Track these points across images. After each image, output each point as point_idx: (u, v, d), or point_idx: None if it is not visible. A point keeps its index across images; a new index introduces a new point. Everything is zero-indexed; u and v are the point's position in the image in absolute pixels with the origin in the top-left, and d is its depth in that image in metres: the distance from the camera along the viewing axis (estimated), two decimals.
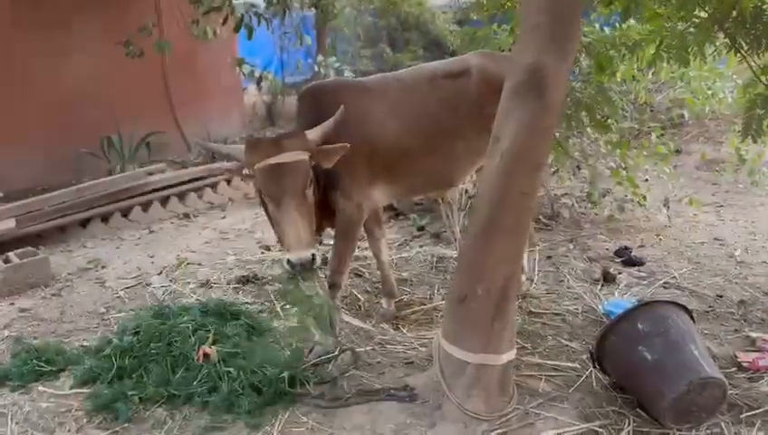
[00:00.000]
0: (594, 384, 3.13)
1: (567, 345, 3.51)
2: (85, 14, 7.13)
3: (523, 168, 2.51)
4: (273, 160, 2.91)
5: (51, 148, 6.86)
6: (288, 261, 2.98)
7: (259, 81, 6.95)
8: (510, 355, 2.85)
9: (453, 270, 4.52)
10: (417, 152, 3.46)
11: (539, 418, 2.88)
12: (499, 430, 2.79)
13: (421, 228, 5.43)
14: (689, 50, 3.06)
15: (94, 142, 7.10)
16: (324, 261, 4.59)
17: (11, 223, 5.00)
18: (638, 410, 2.89)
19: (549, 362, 3.32)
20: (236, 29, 5.91)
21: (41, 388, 3.34)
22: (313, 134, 3.05)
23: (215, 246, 5.43)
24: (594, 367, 3.13)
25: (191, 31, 6.67)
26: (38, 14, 6.76)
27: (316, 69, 6.46)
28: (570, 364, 3.30)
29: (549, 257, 4.74)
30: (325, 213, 3.44)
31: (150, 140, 7.47)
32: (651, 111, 6.13)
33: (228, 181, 6.80)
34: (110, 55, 7.13)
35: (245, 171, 3.13)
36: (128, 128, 7.20)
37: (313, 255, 2.98)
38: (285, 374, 3.07)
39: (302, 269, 3.00)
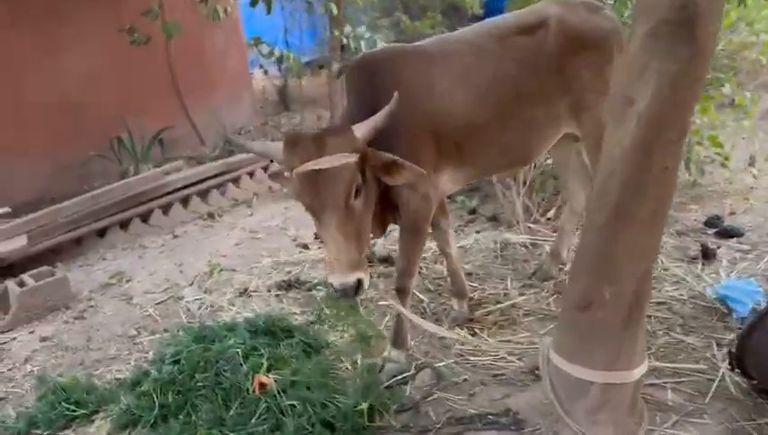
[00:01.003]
0: (733, 390, 2.61)
1: (683, 341, 2.97)
2: (81, 5, 6.55)
3: (666, 135, 1.95)
4: (311, 165, 2.34)
5: (55, 153, 6.32)
6: (331, 283, 2.47)
7: (280, 61, 6.35)
8: (642, 369, 2.32)
9: (522, 258, 4.00)
10: (490, 126, 2.91)
11: None
12: None
13: (473, 211, 4.87)
14: None
15: (101, 143, 6.55)
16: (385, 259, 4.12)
17: (22, 240, 4.50)
18: None
19: (669, 364, 2.79)
20: (253, 3, 5.32)
21: None
22: (362, 130, 2.44)
23: (246, 248, 4.91)
24: (733, 369, 2.60)
25: (199, 11, 6.07)
26: (32, 10, 6.18)
27: (344, 41, 5.83)
28: (695, 366, 2.77)
29: None
30: (388, 207, 2.89)
31: (162, 136, 6.92)
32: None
33: (251, 174, 6.26)
34: (111, 47, 6.58)
35: (286, 174, 2.56)
36: (136, 125, 6.65)
37: (359, 280, 2.43)
38: (364, 406, 2.55)
39: (346, 295, 2.46)
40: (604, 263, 2.13)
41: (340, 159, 2.35)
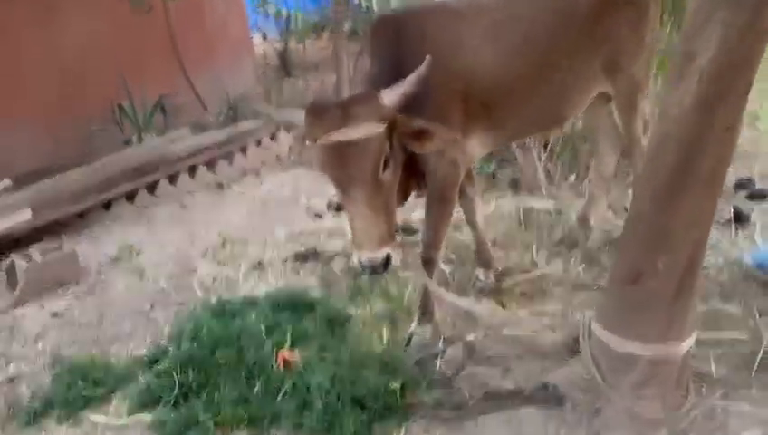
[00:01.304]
0: None
1: (722, 310, 2.86)
2: None
3: (730, 92, 1.80)
4: (335, 136, 2.19)
5: (55, 121, 6.11)
6: (359, 260, 2.34)
7: (287, 22, 6.11)
8: (691, 341, 2.21)
9: (547, 224, 3.86)
10: (522, 86, 2.75)
11: (729, 414, 2.26)
12: None
13: (492, 175, 4.71)
14: None
15: (102, 111, 6.34)
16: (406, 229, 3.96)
17: (26, 214, 4.35)
18: None
19: (710, 334, 2.66)
20: None
21: (92, 416, 2.78)
22: (391, 97, 2.26)
23: (258, 219, 4.77)
24: None
25: None
26: None
27: (356, 1, 5.59)
28: (737, 336, 2.66)
29: None
30: (412, 174, 2.74)
31: (164, 103, 6.71)
32: None
33: (258, 142, 6.08)
34: (110, 13, 6.31)
35: (308, 143, 2.40)
36: (137, 92, 6.44)
37: (388, 256, 2.30)
38: (397, 384, 2.45)
39: (374, 272, 2.33)
40: (658, 231, 2.00)
41: (367, 129, 2.20)
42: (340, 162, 2.23)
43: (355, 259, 2.33)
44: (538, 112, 2.88)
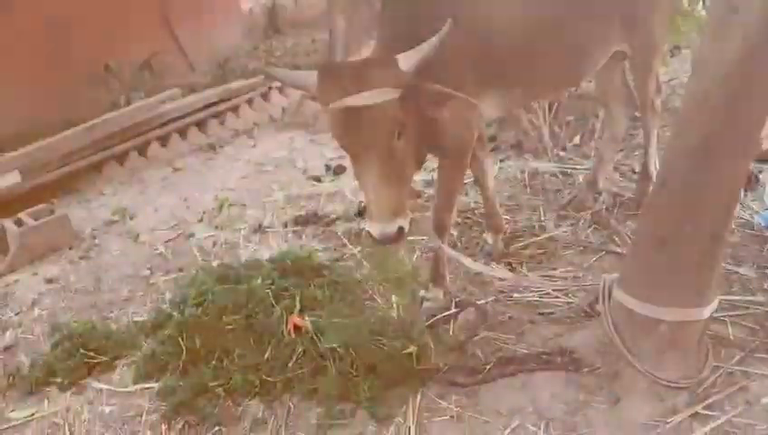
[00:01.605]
0: None
1: (735, 272, 2.84)
2: None
3: None
4: (350, 101, 2.07)
5: (40, 81, 5.88)
6: (371, 231, 2.24)
7: None
8: (713, 306, 2.17)
9: (553, 187, 3.80)
10: (538, 44, 2.63)
11: (749, 378, 2.25)
12: (706, 401, 2.17)
13: (493, 138, 4.61)
14: None
15: (88, 70, 6.11)
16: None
17: (15, 177, 4.20)
18: None
19: (724, 297, 2.64)
20: None
21: (96, 384, 2.73)
22: (409, 61, 2.12)
23: (255, 181, 4.66)
24: None
25: None
26: None
27: None
28: (753, 298, 2.64)
29: None
30: (424, 137, 2.64)
31: (152, 62, 6.49)
32: None
33: (250, 102, 5.92)
34: None
35: (320, 108, 2.28)
36: (124, 52, 6.21)
37: (401, 227, 2.21)
38: (412, 349, 2.40)
39: (386, 243, 2.24)
40: (690, 194, 1.94)
41: (382, 95, 2.08)
42: (353, 128, 2.12)
43: (367, 229, 2.25)
44: (555, 71, 2.78)
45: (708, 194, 1.92)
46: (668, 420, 2.11)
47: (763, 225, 3.09)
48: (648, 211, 2.19)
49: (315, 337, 2.57)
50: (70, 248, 3.93)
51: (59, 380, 2.73)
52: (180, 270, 3.52)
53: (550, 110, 4.14)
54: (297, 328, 2.64)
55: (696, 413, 2.12)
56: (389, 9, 2.53)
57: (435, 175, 3.63)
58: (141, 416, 2.50)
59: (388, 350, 2.44)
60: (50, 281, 3.61)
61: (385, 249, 3.10)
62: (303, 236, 3.72)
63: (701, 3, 4.11)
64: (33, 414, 2.59)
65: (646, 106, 3.18)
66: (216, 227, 3.99)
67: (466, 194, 3.79)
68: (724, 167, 1.88)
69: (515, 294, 2.85)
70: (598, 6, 2.73)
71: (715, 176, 1.89)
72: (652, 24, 2.90)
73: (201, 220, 4.12)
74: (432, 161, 2.91)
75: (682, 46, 4.63)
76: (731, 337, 2.43)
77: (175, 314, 2.89)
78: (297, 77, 2.42)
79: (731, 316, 2.54)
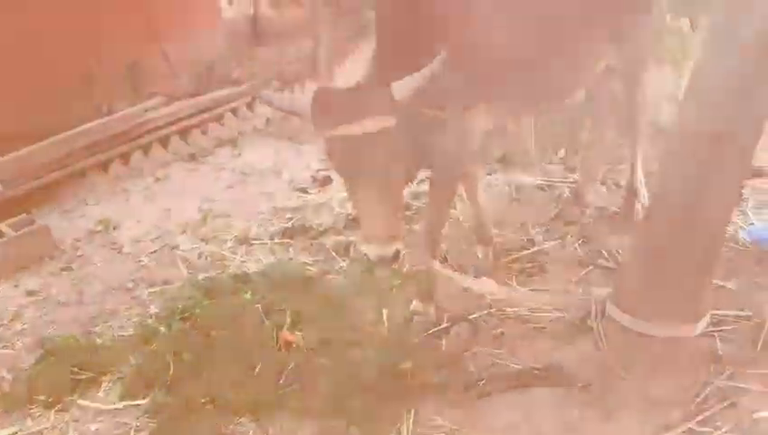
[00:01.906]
0: None
1: (723, 287, 2.86)
2: None
3: None
4: (344, 130, 2.09)
5: (20, 87, 5.77)
6: (368, 254, 2.25)
7: None
8: (706, 320, 2.20)
9: (540, 201, 3.81)
10: (535, 53, 2.63)
11: (741, 393, 2.27)
12: (699, 417, 2.18)
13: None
14: None
15: (70, 78, 6.00)
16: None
17: None
18: None
19: (713, 311, 2.66)
20: None
21: (81, 401, 2.66)
22: (402, 90, 2.12)
23: (240, 192, 4.60)
24: None
25: None
26: None
27: None
28: (741, 313, 2.67)
29: None
30: (417, 153, 2.63)
31: (133, 70, 6.40)
32: None
33: (234, 111, 5.87)
34: None
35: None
36: (107, 59, 6.12)
37: (397, 250, 2.23)
38: (407, 364, 2.39)
39: (381, 265, 2.26)
40: (691, 202, 1.94)
41: (377, 124, 2.09)
42: (348, 155, 2.15)
43: (364, 251, 2.24)
44: (546, 84, 2.80)
45: (704, 211, 1.94)
46: None
47: (748, 239, 3.14)
48: (641, 227, 2.21)
49: (307, 353, 2.55)
50: (51, 259, 3.85)
51: (42, 397, 2.66)
52: (165, 283, 3.46)
53: (536, 123, 4.16)
54: (288, 343, 2.62)
55: (689, 429, 2.14)
56: (383, 22, 2.52)
57: (422, 187, 3.68)
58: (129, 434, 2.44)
59: (380, 366, 2.43)
60: (31, 293, 3.53)
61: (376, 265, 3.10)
62: (291, 249, 3.69)
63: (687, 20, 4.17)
64: (15, 433, 2.52)
65: (634, 119, 3.22)
66: (201, 240, 3.93)
67: (455, 207, 3.80)
68: (722, 184, 1.90)
69: (507, 308, 2.85)
70: (586, 20, 2.76)
71: (713, 193, 1.91)
72: (640, 39, 2.94)
73: (185, 232, 4.05)
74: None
75: (666, 62, 4.69)
76: (720, 352, 2.45)
77: (161, 328, 2.85)
78: (291, 103, 2.41)
79: (720, 331, 2.56)
